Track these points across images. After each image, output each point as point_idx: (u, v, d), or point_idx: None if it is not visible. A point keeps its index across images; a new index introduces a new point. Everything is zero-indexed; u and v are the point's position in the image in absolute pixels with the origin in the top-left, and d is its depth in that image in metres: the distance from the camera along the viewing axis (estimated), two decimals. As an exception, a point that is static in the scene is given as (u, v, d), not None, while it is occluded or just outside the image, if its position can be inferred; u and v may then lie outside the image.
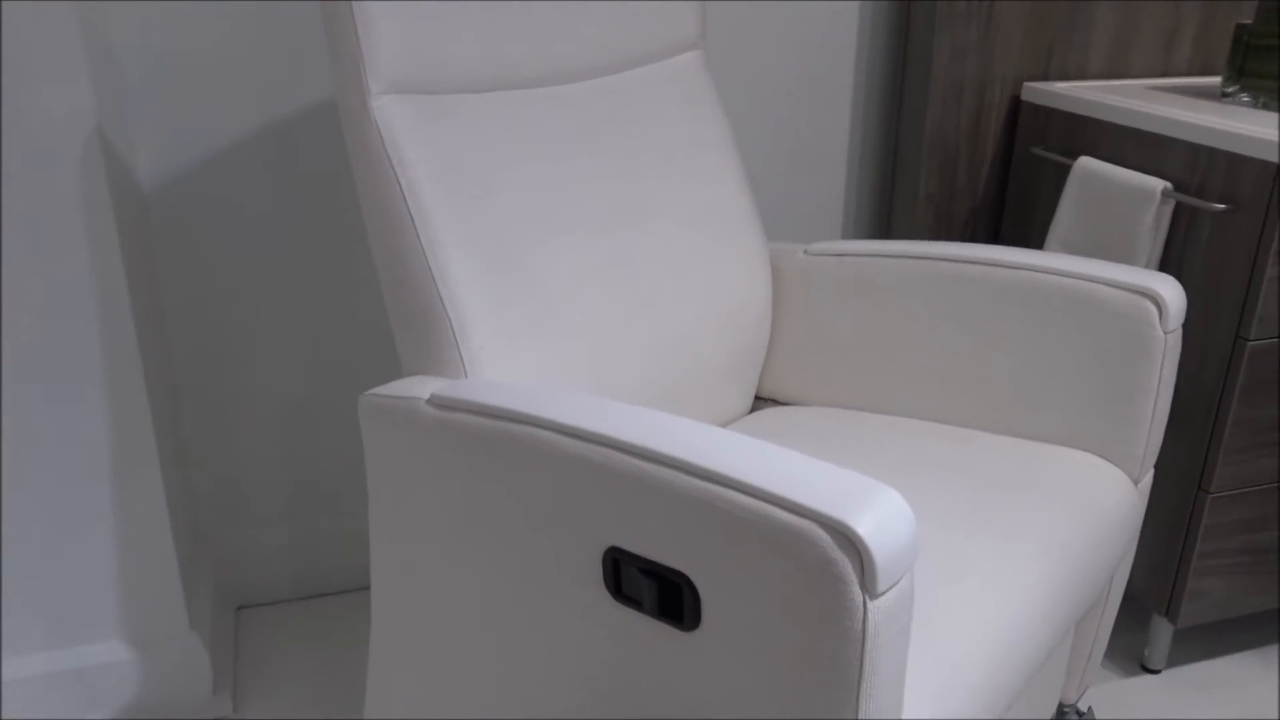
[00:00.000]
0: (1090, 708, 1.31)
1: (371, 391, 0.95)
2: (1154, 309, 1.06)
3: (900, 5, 1.57)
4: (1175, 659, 1.51)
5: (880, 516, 0.65)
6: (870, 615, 0.65)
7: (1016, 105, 1.55)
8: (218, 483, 1.52)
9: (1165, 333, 1.06)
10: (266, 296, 1.45)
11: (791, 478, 0.68)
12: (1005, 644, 0.86)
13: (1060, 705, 1.26)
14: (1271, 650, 1.53)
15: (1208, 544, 1.35)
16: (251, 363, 1.47)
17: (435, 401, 0.88)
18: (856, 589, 0.65)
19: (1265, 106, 1.34)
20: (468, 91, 1.01)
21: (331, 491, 1.58)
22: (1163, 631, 1.46)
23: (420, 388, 0.91)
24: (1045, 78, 1.55)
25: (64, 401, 1.18)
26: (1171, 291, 1.07)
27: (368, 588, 1.65)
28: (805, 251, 1.28)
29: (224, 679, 1.41)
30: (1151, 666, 1.48)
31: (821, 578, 0.65)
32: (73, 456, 1.21)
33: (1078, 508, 1.02)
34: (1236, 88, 1.38)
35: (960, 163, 1.56)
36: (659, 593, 0.75)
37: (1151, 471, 1.15)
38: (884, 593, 0.65)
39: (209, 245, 1.40)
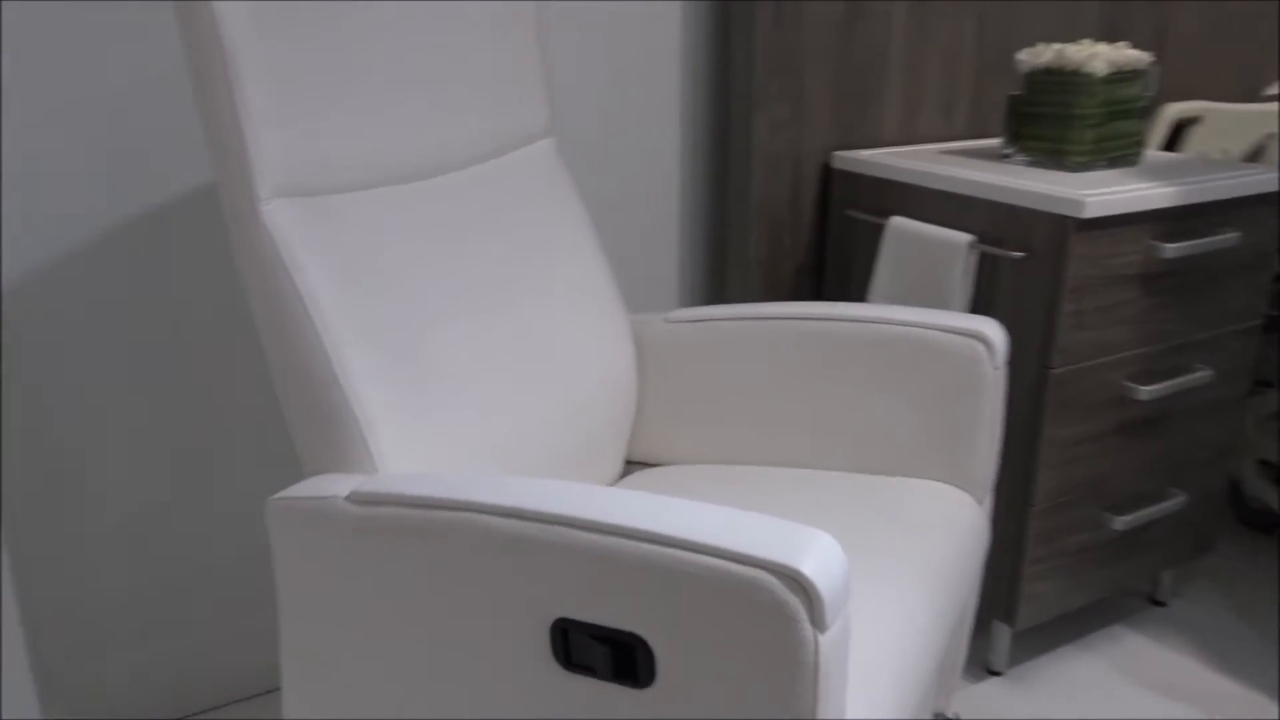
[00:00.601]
0: (956, 714, 1.43)
1: (281, 495, 0.94)
2: (983, 349, 1.20)
3: (719, 84, 1.70)
4: (1015, 659, 1.67)
5: (820, 558, 0.72)
6: (821, 648, 0.72)
7: (828, 173, 1.71)
8: (55, 600, 1.43)
9: (994, 369, 1.20)
10: (108, 414, 1.39)
11: (733, 531, 0.74)
12: (907, 657, 0.95)
13: (936, 714, 1.37)
14: (1091, 638, 1.72)
15: (1036, 552, 1.51)
16: (92, 482, 1.40)
17: (355, 498, 0.89)
18: (808, 626, 0.71)
19: (1039, 164, 1.55)
20: (352, 190, 1.03)
21: (180, 612, 1.51)
22: (1003, 635, 1.61)
23: (334, 486, 0.92)
24: (850, 147, 1.71)
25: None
26: (996, 332, 1.21)
27: (235, 701, 1.58)
28: (665, 320, 1.36)
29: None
30: (995, 669, 1.63)
31: (775, 620, 0.72)
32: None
33: (942, 531, 1.13)
34: (1015, 149, 1.58)
35: (784, 228, 1.70)
36: (612, 656, 0.79)
37: (991, 494, 1.29)
38: (831, 626, 0.72)
39: (47, 347, 1.33)
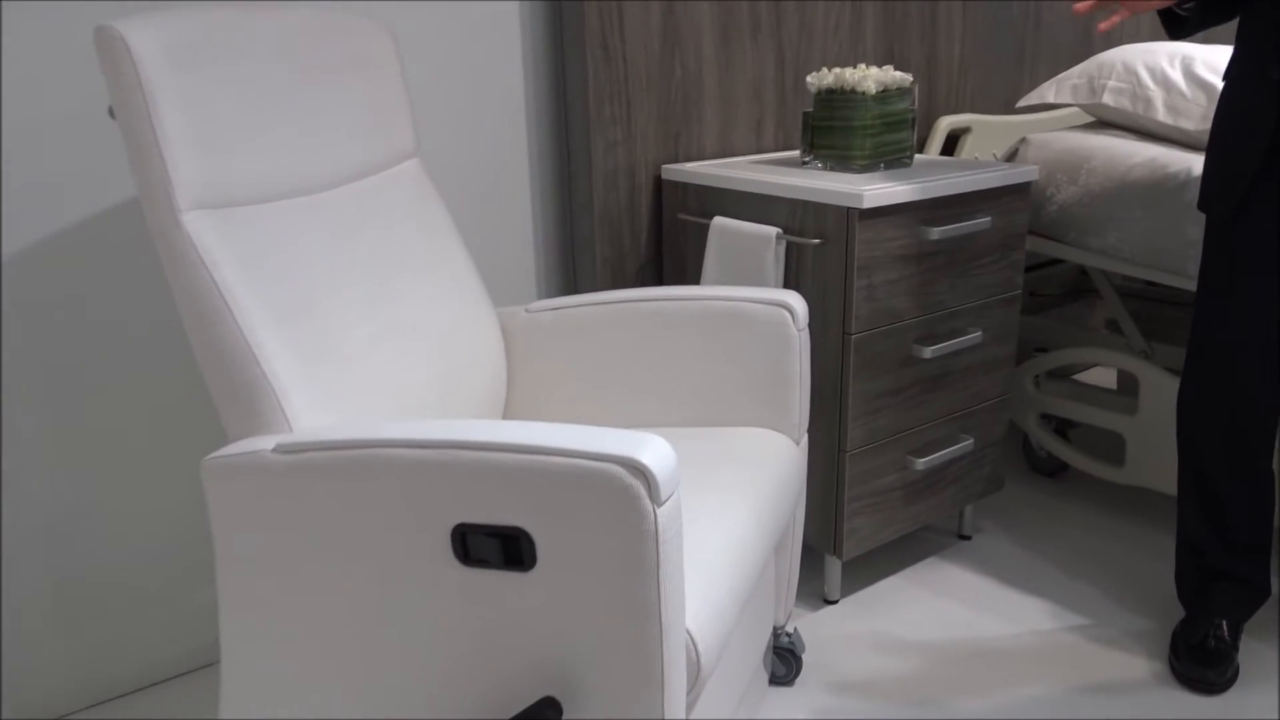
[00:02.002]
0: (795, 629, 1.69)
1: (214, 455, 1.12)
2: (788, 315, 1.47)
3: (559, 111, 1.94)
4: (847, 590, 1.95)
5: (655, 452, 0.96)
6: (659, 519, 0.96)
7: (659, 183, 1.97)
8: (-15, 611, 1.54)
9: (798, 331, 1.48)
10: (10, 410, 1.52)
11: (590, 439, 0.97)
12: (735, 554, 1.20)
13: (774, 627, 1.63)
14: (910, 570, 2.01)
15: (852, 491, 1.79)
16: (11, 489, 1.53)
17: (281, 449, 1.08)
18: (647, 501, 0.95)
19: (831, 168, 1.85)
20: (256, 203, 1.23)
21: (97, 597, 1.64)
22: (834, 567, 1.89)
23: (260, 444, 1.11)
24: (677, 160, 1.98)
25: None
26: (797, 301, 1.49)
27: (156, 684, 1.71)
28: (526, 310, 1.59)
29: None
30: (830, 598, 1.90)
31: (623, 500, 0.95)
32: None
33: (761, 463, 1.39)
34: (811, 157, 1.88)
35: (624, 231, 1.95)
36: (502, 548, 1.01)
37: (806, 436, 1.55)
38: (665, 502, 0.96)
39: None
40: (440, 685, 1.09)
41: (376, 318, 1.32)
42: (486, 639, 1.05)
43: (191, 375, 1.65)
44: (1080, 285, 2.64)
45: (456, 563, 1.03)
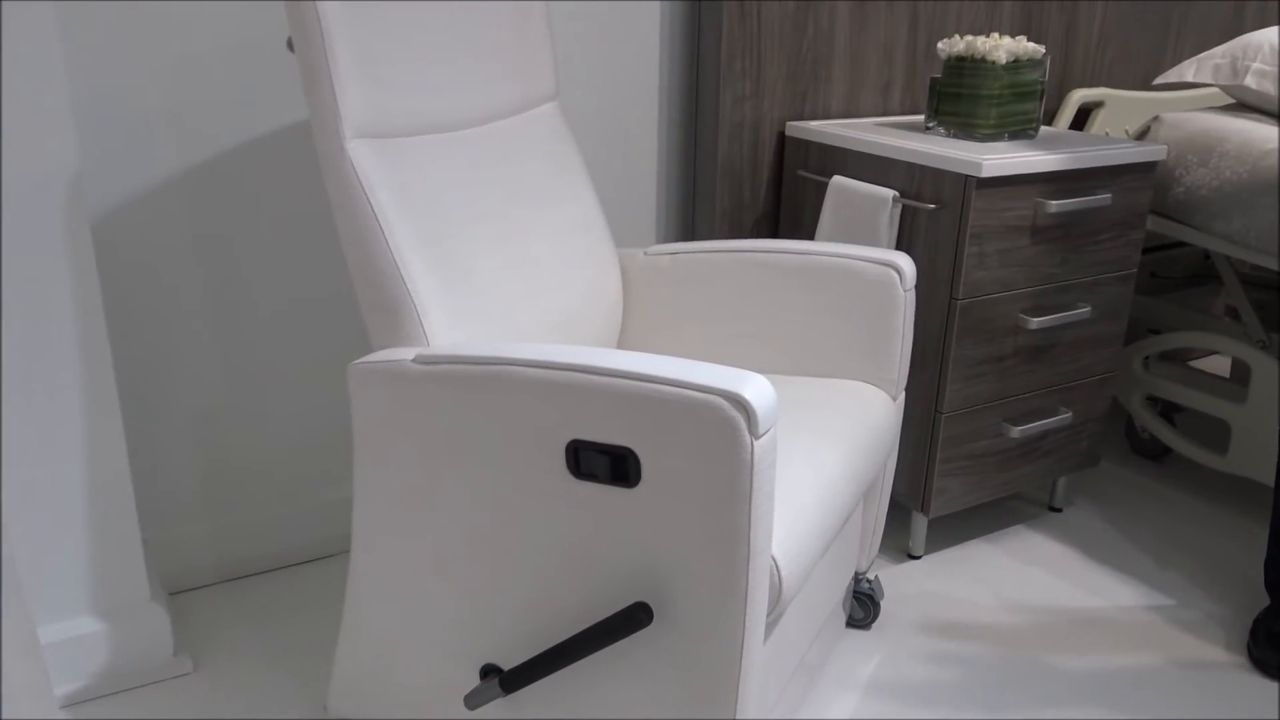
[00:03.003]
0: (877, 576, 1.77)
1: (359, 361, 1.25)
2: (896, 275, 1.53)
3: (691, 63, 2.01)
4: (931, 547, 2.01)
5: (756, 389, 1.05)
6: (755, 450, 1.04)
7: (783, 139, 2.03)
8: (137, 478, 1.73)
9: (905, 291, 1.53)
10: (183, 313, 1.69)
11: (698, 372, 1.06)
12: (824, 494, 1.28)
13: (855, 573, 1.71)
14: (996, 535, 2.06)
15: (945, 452, 1.85)
16: (166, 372, 1.70)
17: (420, 359, 1.20)
18: (746, 433, 1.04)
19: (954, 135, 1.87)
20: (409, 135, 1.34)
21: (240, 484, 1.82)
22: (920, 524, 1.95)
23: (401, 354, 1.23)
24: (802, 118, 2.03)
25: (45, 395, 1.40)
26: (906, 263, 1.54)
27: (285, 568, 1.89)
28: (645, 253, 1.68)
29: (180, 643, 1.62)
30: (915, 553, 1.97)
31: (723, 428, 1.04)
32: (51, 446, 1.42)
33: (857, 414, 1.47)
34: (935, 123, 1.91)
35: (745, 184, 2.02)
36: (610, 465, 1.11)
37: (903, 394, 1.62)
38: (762, 435, 1.05)
39: (133, 270, 1.63)
40: (546, 585, 1.21)
41: (508, 248, 1.43)
42: (590, 547, 1.16)
43: (342, 288, 1.80)
44: (1204, 270, 2.60)
45: (569, 475, 1.14)
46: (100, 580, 1.51)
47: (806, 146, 1.98)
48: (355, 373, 1.25)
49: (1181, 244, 2.55)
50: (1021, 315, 1.82)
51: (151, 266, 1.64)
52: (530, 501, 1.18)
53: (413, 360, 1.21)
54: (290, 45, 1.28)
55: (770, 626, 1.24)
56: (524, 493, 1.18)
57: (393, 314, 1.28)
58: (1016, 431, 1.89)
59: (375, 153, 1.29)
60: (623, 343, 1.69)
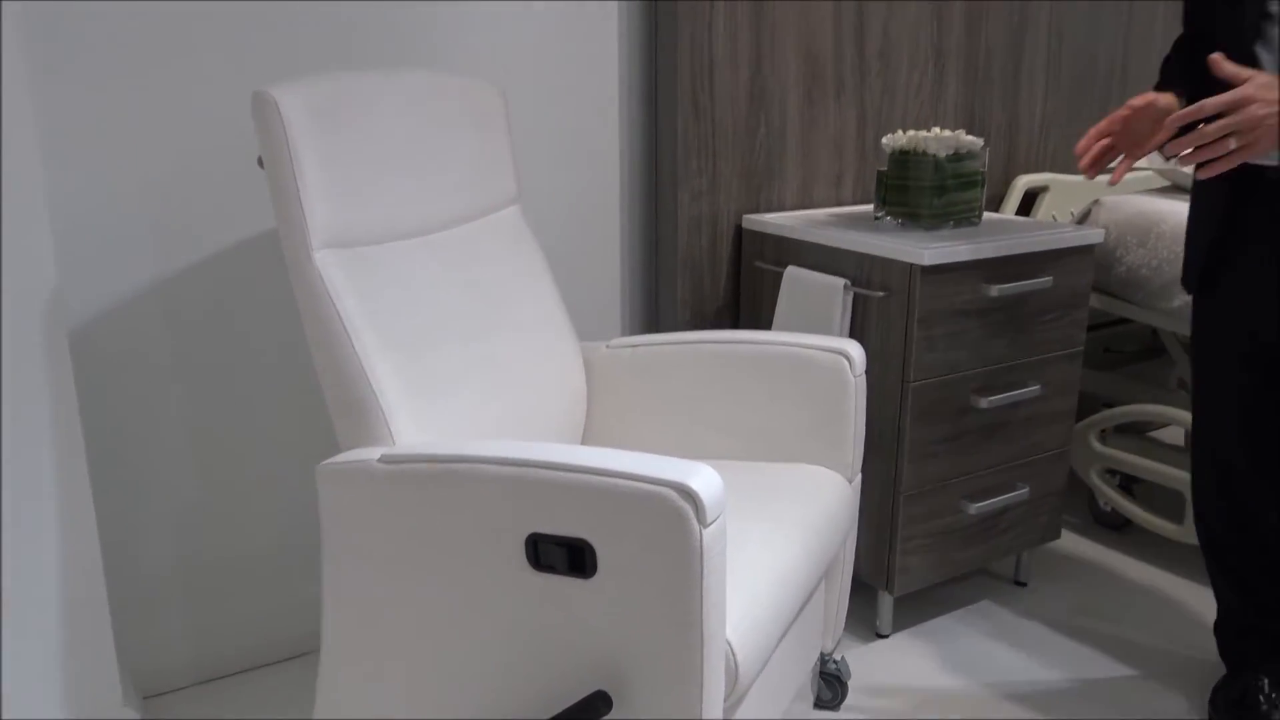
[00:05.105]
0: (843, 657, 1.80)
1: (327, 462, 1.30)
2: (846, 362, 1.60)
3: (650, 161, 2.11)
4: (899, 625, 2.04)
5: (704, 479, 1.10)
6: (704, 538, 1.09)
7: (740, 232, 2.11)
8: (114, 580, 1.76)
9: (855, 376, 1.60)
10: (159, 416, 1.73)
11: (648, 465, 1.12)
12: (780, 578, 1.32)
13: (821, 654, 1.74)
14: (963, 612, 2.10)
15: (906, 531, 1.90)
16: (143, 474, 1.74)
17: (385, 459, 1.25)
18: (694, 522, 1.09)
19: (902, 224, 1.96)
20: (375, 243, 1.41)
21: (216, 583, 1.84)
22: (886, 603, 1.99)
23: (368, 454, 1.28)
24: (758, 211, 2.12)
25: (20, 501, 1.43)
26: (856, 350, 1.61)
27: (263, 666, 1.90)
28: (608, 346, 1.75)
29: (153, 748, 1.63)
30: (882, 632, 2.00)
31: (672, 518, 1.09)
32: (25, 549, 1.45)
33: (812, 497, 1.52)
34: (883, 213, 2.00)
35: (705, 276, 2.10)
36: (568, 556, 1.15)
37: (860, 475, 1.67)
38: (711, 524, 1.10)
39: (110, 373, 1.68)
40: (507, 675, 1.24)
41: (472, 348, 1.49)
42: (550, 636, 1.20)
43: (310, 391, 1.85)
44: (1155, 344, 2.68)
45: (529, 567, 1.19)
46: (72, 683, 1.53)
47: (762, 238, 2.06)
48: (323, 473, 1.30)
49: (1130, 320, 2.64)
50: (973, 395, 1.89)
51: (128, 371, 1.69)
52: (492, 593, 1.22)
53: (378, 460, 1.26)
54: (260, 163, 1.36)
55: (730, 710, 1.27)
56: (486, 585, 1.22)
57: (359, 415, 1.33)
58: (975, 508, 1.94)
59: (342, 261, 1.35)
60: (587, 435, 1.75)
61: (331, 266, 1.34)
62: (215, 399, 1.77)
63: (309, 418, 1.87)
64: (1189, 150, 1.33)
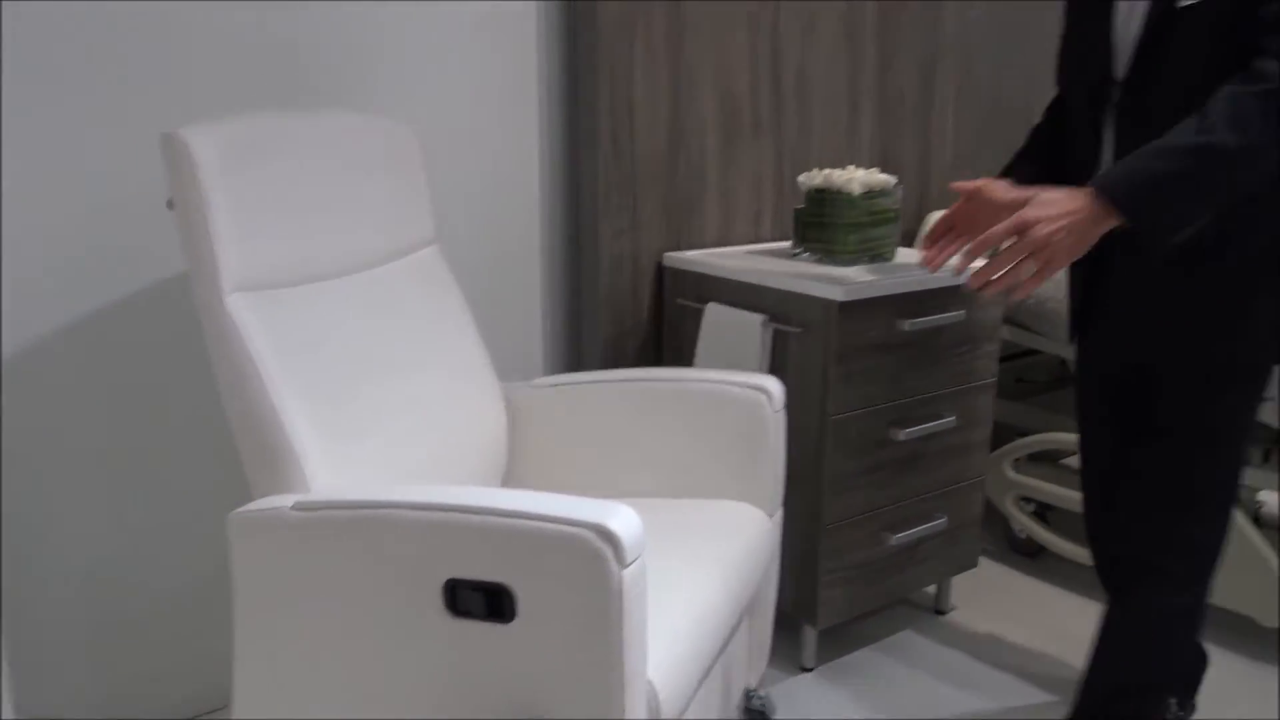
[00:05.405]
0: (768, 692, 1.81)
1: (238, 511, 1.27)
2: (765, 397, 1.61)
3: (572, 200, 2.12)
4: (823, 658, 2.06)
5: (622, 520, 1.10)
6: (624, 579, 1.09)
7: (661, 269, 2.13)
8: (20, 638, 1.69)
9: (774, 412, 1.62)
10: (70, 467, 1.68)
11: (566, 506, 1.11)
12: (700, 615, 1.33)
13: (745, 690, 1.75)
14: (886, 642, 2.12)
15: (828, 563, 1.92)
16: (55, 516, 1.68)
17: (299, 506, 1.23)
18: (613, 563, 1.09)
19: (819, 261, 2.00)
20: (290, 285, 1.39)
21: (127, 636, 1.78)
22: (810, 636, 2.00)
23: (281, 502, 1.26)
24: (679, 248, 2.15)
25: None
26: (775, 385, 1.63)
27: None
28: (530, 385, 1.74)
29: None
30: (806, 665, 2.01)
31: (591, 560, 1.09)
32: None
33: (734, 535, 1.53)
34: (801, 249, 2.03)
35: (627, 313, 2.11)
36: (486, 602, 1.14)
37: (781, 509, 1.69)
38: (630, 564, 1.10)
39: (20, 424, 1.63)
40: (428, 723, 1.22)
41: (390, 391, 1.48)
42: (471, 682, 1.18)
43: (226, 437, 1.81)
44: (1065, 374, 2.77)
45: (446, 613, 1.17)
46: (-29, 746, 1.46)
47: (683, 276, 2.08)
48: (235, 522, 1.27)
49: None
50: (891, 428, 1.92)
51: (39, 413, 1.64)
52: (410, 640, 1.20)
53: (292, 507, 1.23)
54: (170, 205, 1.33)
55: (653, 751, 1.26)
56: (403, 632, 1.20)
57: (272, 462, 1.31)
58: (895, 539, 1.97)
59: (255, 305, 1.33)
60: (509, 476, 1.74)
61: (244, 310, 1.31)
62: (128, 445, 1.72)
63: (225, 465, 1.82)
64: (995, 278, 1.31)
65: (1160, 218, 1.26)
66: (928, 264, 1.54)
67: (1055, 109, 1.63)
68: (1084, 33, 1.46)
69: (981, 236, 1.32)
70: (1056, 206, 1.27)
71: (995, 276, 1.32)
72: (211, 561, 1.85)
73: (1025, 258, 1.28)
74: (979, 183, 1.49)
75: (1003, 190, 1.42)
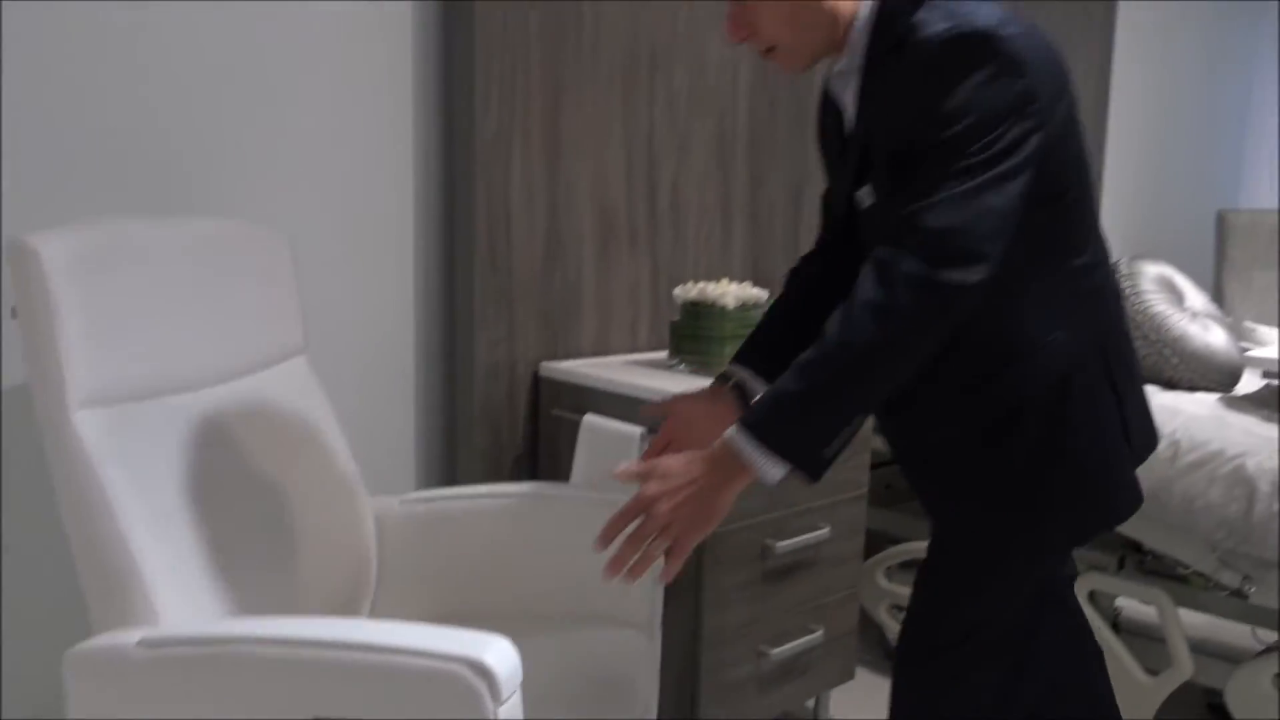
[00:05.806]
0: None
1: (76, 648, 1.17)
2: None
3: (447, 308, 2.09)
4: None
5: (498, 654, 1.05)
6: (499, 717, 1.04)
7: (538, 379, 2.11)
8: None
9: (653, 528, 1.59)
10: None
11: (437, 640, 1.06)
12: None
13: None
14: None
15: (708, 679, 1.88)
16: None
17: (145, 643, 1.14)
18: (488, 700, 1.03)
19: (695, 372, 2.01)
20: (144, 399, 1.31)
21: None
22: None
23: (125, 637, 1.16)
24: (556, 358, 2.13)
25: None
26: (653, 501, 1.61)
27: None
28: (400, 501, 1.68)
29: None
30: (687, 787, 1.96)
31: (465, 697, 1.03)
32: None
33: (609, 660, 1.48)
34: (677, 360, 2.05)
35: (503, 425, 2.07)
36: (351, 743, 1.07)
37: (660, 629, 1.65)
38: (506, 700, 1.05)
39: None
40: None
41: (250, 512, 1.40)
42: (331, 833, 1.10)
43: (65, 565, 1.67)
44: (932, 480, 2.84)
45: (307, 756, 1.09)
46: None
47: (560, 386, 2.06)
48: (72, 660, 1.16)
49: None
50: (767, 540, 1.92)
51: None
52: (266, 789, 1.11)
53: (137, 644, 1.14)
54: (14, 313, 1.25)
55: None
56: (260, 779, 1.11)
57: (116, 592, 1.21)
58: (775, 653, 1.96)
59: (104, 421, 1.25)
60: (377, 602, 1.65)
61: (90, 426, 1.23)
62: (-53, 570, 1.57)
63: (66, 595, 1.68)
64: (633, 563, 1.14)
65: (793, 435, 1.13)
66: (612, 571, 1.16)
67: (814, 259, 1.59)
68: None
69: (606, 523, 1.16)
70: (676, 478, 1.13)
71: (631, 564, 1.14)
72: (48, 704, 1.69)
73: (655, 537, 1.13)
74: (673, 404, 1.44)
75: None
